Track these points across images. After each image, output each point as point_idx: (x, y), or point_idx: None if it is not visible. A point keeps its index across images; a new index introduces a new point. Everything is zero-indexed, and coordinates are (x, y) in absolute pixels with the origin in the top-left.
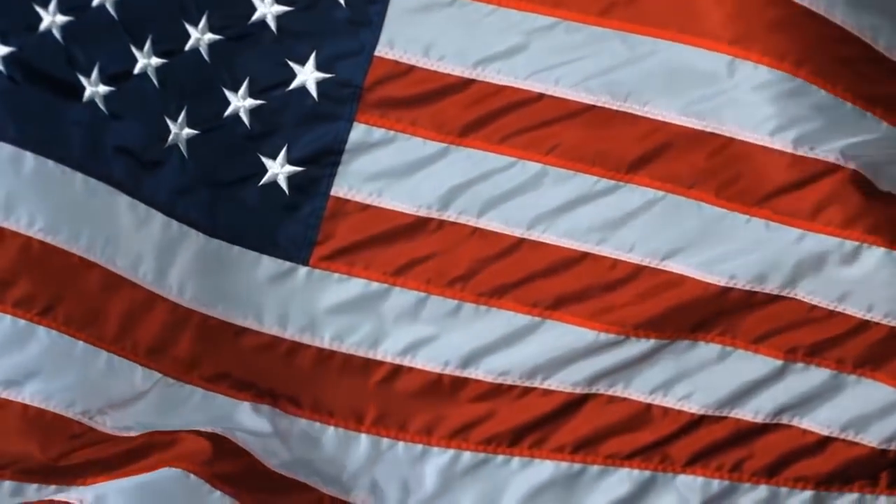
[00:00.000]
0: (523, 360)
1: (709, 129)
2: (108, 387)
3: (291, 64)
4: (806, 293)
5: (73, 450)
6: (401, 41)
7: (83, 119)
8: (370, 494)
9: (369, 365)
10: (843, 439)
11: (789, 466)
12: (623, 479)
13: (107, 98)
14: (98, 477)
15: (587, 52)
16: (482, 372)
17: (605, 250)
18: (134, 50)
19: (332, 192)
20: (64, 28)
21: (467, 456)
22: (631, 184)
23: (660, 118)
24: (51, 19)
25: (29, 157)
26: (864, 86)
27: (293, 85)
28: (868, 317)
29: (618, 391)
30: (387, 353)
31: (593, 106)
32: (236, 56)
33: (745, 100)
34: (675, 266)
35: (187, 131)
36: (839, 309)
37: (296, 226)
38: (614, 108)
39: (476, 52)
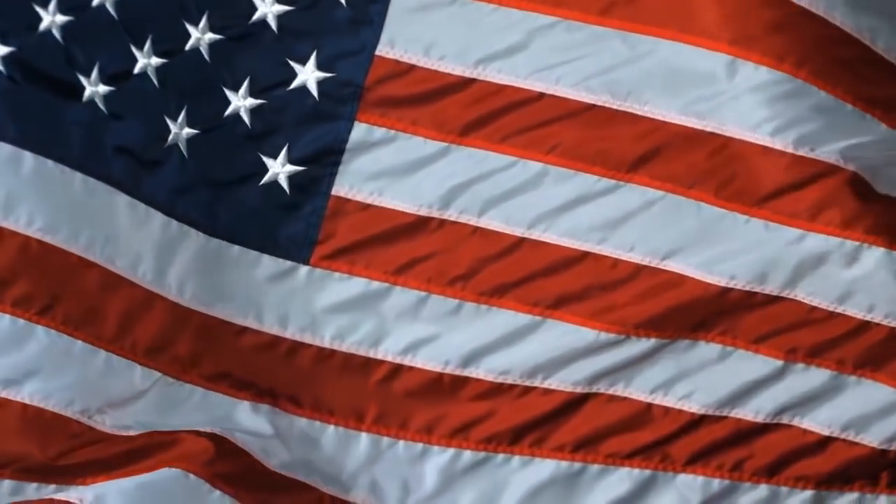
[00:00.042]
0: (524, 360)
1: (709, 129)
2: (108, 386)
3: (292, 63)
4: (806, 294)
5: (72, 449)
6: (401, 40)
7: (83, 119)
8: (370, 493)
9: (370, 364)
10: (844, 439)
11: (790, 466)
12: (623, 478)
13: (106, 98)
14: (98, 476)
15: (588, 52)
16: (483, 371)
17: (606, 250)
18: (134, 50)
19: (333, 192)
20: (64, 28)
21: (467, 455)
22: (631, 183)
23: (660, 118)
24: (51, 19)
25: (28, 157)
26: (864, 87)
27: (294, 84)
28: (868, 317)
29: (618, 390)
30: (387, 352)
31: (594, 105)
32: (237, 56)
33: (745, 100)
34: (675, 266)
35: (187, 131)
36: (839, 310)
37: (296, 225)
38: (614, 107)
39: (477, 51)
